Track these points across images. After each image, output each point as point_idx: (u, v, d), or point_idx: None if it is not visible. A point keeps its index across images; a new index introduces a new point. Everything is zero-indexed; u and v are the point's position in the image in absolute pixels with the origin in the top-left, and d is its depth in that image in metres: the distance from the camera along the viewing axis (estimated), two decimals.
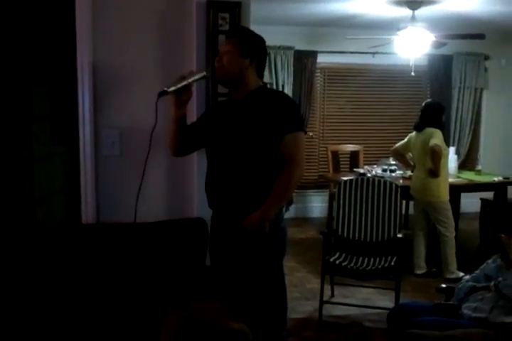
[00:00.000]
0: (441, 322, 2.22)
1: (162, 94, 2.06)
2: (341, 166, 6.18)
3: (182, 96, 2.13)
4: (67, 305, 2.21)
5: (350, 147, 6.27)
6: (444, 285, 2.71)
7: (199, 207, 2.56)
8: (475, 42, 5.58)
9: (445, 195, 4.30)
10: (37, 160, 3.03)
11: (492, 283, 2.41)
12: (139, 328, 2.19)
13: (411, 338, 1.97)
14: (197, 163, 2.54)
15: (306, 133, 2.15)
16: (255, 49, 2.17)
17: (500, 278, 2.39)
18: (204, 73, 2.18)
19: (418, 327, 2.12)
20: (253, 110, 2.10)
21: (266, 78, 6.27)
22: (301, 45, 6.30)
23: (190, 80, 2.13)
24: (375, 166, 5.35)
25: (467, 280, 2.58)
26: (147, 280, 2.35)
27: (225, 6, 2.56)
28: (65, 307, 2.21)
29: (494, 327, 2.22)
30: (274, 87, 6.22)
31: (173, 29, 2.59)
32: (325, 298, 3.72)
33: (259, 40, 2.20)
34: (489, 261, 2.59)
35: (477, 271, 2.61)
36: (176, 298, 2.32)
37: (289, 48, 6.27)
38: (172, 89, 2.08)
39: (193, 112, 2.47)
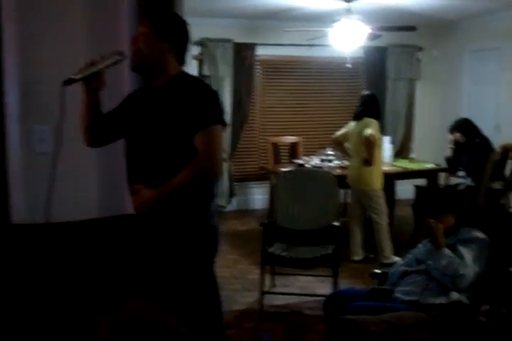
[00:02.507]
0: (374, 306, 2.28)
1: (68, 82, 1.86)
2: (281, 157, 6.24)
3: (93, 83, 1.97)
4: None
5: (290, 138, 6.33)
6: (377, 271, 2.78)
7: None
8: (408, 34, 5.74)
9: (378, 184, 4.42)
10: None
11: (422, 267, 2.50)
12: (70, 327, 2.13)
13: (344, 324, 2.02)
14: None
15: (224, 124, 1.98)
16: (174, 32, 1.99)
17: (429, 262, 2.47)
18: (118, 58, 1.99)
19: (352, 313, 2.16)
20: (170, 100, 1.97)
21: (205, 71, 6.25)
22: (240, 38, 6.28)
23: (100, 66, 1.95)
24: (313, 157, 5.43)
25: (399, 265, 2.66)
26: (79, 279, 2.29)
27: None
28: None
29: (425, 308, 2.30)
30: (214, 79, 6.18)
31: (104, 17, 2.44)
32: (266, 289, 3.76)
33: (179, 22, 2.02)
34: (420, 245, 2.69)
35: (409, 256, 2.70)
36: (110, 297, 2.27)
37: (228, 41, 6.24)
38: (79, 76, 1.89)
39: (101, 101, 2.34)
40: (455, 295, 2.35)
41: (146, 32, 1.96)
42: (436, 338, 2.00)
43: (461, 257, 2.39)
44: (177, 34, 2.01)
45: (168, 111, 1.96)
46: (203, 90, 1.99)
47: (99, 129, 2.11)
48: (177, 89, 1.98)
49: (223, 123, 1.99)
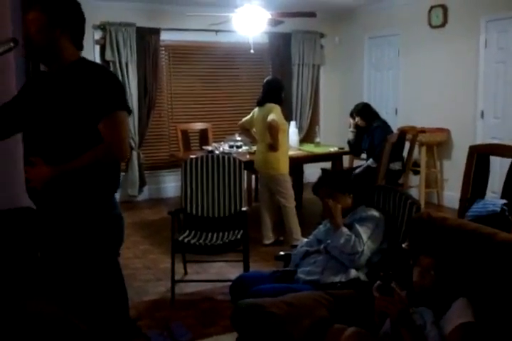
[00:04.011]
0: (276, 288, 2.32)
1: None
2: (192, 145, 6.19)
3: None
4: None
5: (199, 125, 6.29)
6: (282, 253, 2.84)
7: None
8: (311, 20, 5.86)
9: (284, 168, 4.51)
10: None
11: (322, 246, 2.60)
12: None
13: (244, 307, 2.05)
14: (22, 147, 2.35)
15: (129, 110, 1.95)
16: (66, 16, 1.91)
17: (328, 241, 2.57)
18: (10, 45, 1.91)
19: (255, 296, 2.20)
20: (70, 85, 1.90)
21: (108, 56, 6.03)
22: (142, 22, 6.12)
23: None
24: (222, 143, 5.44)
25: (301, 246, 2.74)
26: None
27: None
28: None
29: (325, 287, 2.39)
30: (117, 65, 6.00)
31: None
32: (178, 277, 3.75)
33: (72, 5, 1.94)
34: (320, 226, 2.78)
35: (310, 237, 2.78)
36: (8, 291, 2.16)
37: (130, 25, 6.05)
38: None
39: (13, 90, 2.26)
40: (353, 273, 2.45)
41: (37, 17, 1.88)
42: (336, 316, 2.08)
43: (357, 235, 2.49)
44: (70, 18, 1.93)
45: (68, 96, 1.89)
46: (104, 76, 1.94)
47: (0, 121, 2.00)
48: (77, 74, 1.92)
49: (127, 109, 1.95)
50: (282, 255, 2.82)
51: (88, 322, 1.92)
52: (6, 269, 2.24)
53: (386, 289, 1.85)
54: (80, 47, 2.01)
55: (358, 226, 2.53)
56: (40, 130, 1.94)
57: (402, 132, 5.20)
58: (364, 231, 2.51)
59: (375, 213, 2.61)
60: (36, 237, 2.29)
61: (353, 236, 2.48)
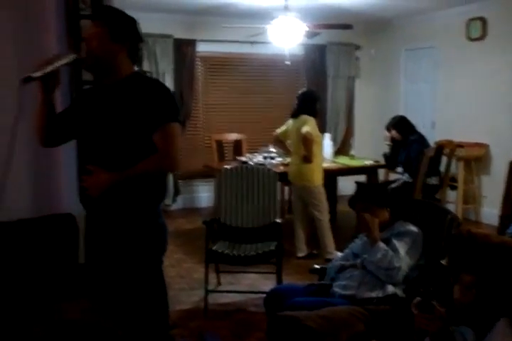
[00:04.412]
0: (312, 302, 2.31)
1: (27, 80, 1.87)
2: (226, 155, 6.23)
3: (49, 82, 1.97)
4: None
5: (234, 136, 6.33)
6: (317, 266, 2.82)
7: (68, 200, 2.44)
8: (347, 32, 5.86)
9: (318, 180, 4.49)
10: None
11: (358, 261, 2.56)
12: (10, 330, 2.05)
13: (281, 320, 2.04)
14: (63, 154, 2.41)
15: (181, 123, 2.06)
16: (126, 32, 2.01)
17: (365, 255, 2.54)
18: (73, 56, 2.00)
19: (291, 309, 2.19)
20: (126, 97, 1.98)
21: (145, 67, 6.14)
22: (180, 34, 6.23)
23: (57, 65, 1.95)
24: (256, 154, 5.46)
25: (337, 260, 2.72)
26: (15, 281, 2.22)
27: None
28: None
29: (361, 302, 2.36)
30: (155, 75, 6.09)
31: (30, 15, 2.42)
32: (211, 287, 3.76)
33: (130, 21, 2.04)
34: (357, 239, 2.75)
35: (346, 250, 2.75)
36: (47, 297, 2.21)
37: (168, 36, 6.17)
38: (38, 74, 1.89)
39: (55, 100, 2.32)
40: (391, 289, 2.41)
41: (99, 32, 1.97)
42: (372, 331, 2.05)
43: (395, 250, 2.45)
44: (129, 34, 2.03)
45: (125, 108, 1.97)
46: (159, 89, 2.02)
47: (53, 129, 2.09)
48: (133, 87, 2.00)
49: (180, 122, 2.03)
50: (317, 268, 2.80)
51: (126, 328, 1.94)
52: (45, 275, 2.29)
53: (426, 306, 1.82)
54: (135, 61, 2.09)
55: (395, 241, 2.49)
56: (96, 139, 2.01)
57: (440, 146, 5.13)
58: (402, 247, 2.47)
59: (413, 228, 2.57)
60: (76, 244, 2.33)
61: (390, 252, 2.44)
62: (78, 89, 2.39)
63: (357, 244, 2.70)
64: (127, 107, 1.96)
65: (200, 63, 6.57)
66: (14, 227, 2.28)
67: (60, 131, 2.11)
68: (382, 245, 2.47)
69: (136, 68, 2.11)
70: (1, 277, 2.20)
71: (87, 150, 2.05)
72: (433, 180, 5.04)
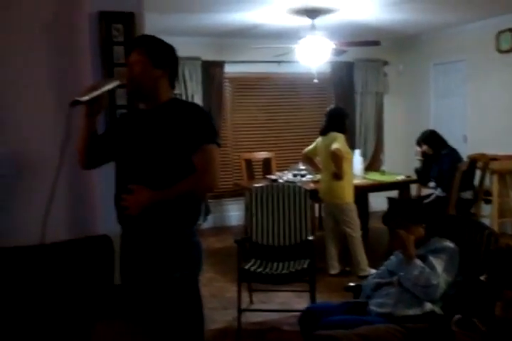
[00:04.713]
0: (348, 320, 2.27)
1: (74, 103, 1.95)
2: (255, 173, 6.25)
3: (94, 106, 2.05)
4: None
5: (263, 154, 6.36)
6: (352, 284, 2.78)
7: (105, 221, 2.48)
8: (374, 48, 5.87)
9: (349, 197, 4.46)
10: None
11: (394, 278, 2.52)
12: None
13: (318, 339, 2.02)
14: (100, 176, 2.46)
15: (219, 145, 2.09)
16: (167, 58, 2.09)
17: (401, 273, 2.49)
18: (117, 82, 2.09)
19: (327, 327, 2.16)
20: (166, 121, 2.05)
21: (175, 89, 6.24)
22: (207, 56, 6.33)
23: (103, 89, 2.04)
24: (286, 172, 5.46)
25: (372, 277, 2.67)
26: (51, 303, 2.25)
27: (117, 17, 2.53)
28: None
29: (399, 320, 2.31)
30: (184, 97, 6.20)
31: (65, 42, 2.50)
32: (244, 306, 3.73)
33: (170, 49, 2.13)
34: (392, 256, 2.71)
35: (382, 267, 2.71)
36: (84, 320, 2.23)
37: (196, 59, 6.28)
38: (86, 98, 1.97)
39: (97, 124, 2.38)
40: (428, 306, 2.36)
41: (141, 60, 2.04)
42: None
43: (432, 267, 2.40)
44: (169, 60, 2.11)
45: (165, 131, 2.03)
46: (200, 111, 2.10)
47: (94, 151, 2.16)
48: (173, 111, 2.07)
49: (218, 143, 2.08)
50: (352, 286, 2.76)
51: None
52: (81, 296, 2.31)
53: (467, 323, 1.77)
54: (174, 86, 2.16)
55: (432, 258, 2.44)
56: (138, 161, 2.06)
57: (473, 160, 5.03)
58: (439, 263, 2.42)
59: (450, 244, 2.52)
60: (111, 265, 2.36)
61: (427, 269, 2.39)
62: (112, 113, 2.46)
63: (392, 261, 2.66)
64: (169, 130, 2.02)
65: (227, 84, 6.66)
66: (51, 250, 2.32)
67: (100, 153, 2.18)
68: (418, 262, 2.43)
69: (174, 92, 2.18)
70: (37, 299, 2.23)
71: (127, 172, 2.09)
72: (467, 195, 4.94)
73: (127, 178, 2.07)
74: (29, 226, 2.20)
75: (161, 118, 2.06)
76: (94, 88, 2.03)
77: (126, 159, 2.11)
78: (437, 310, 2.38)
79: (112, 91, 2.32)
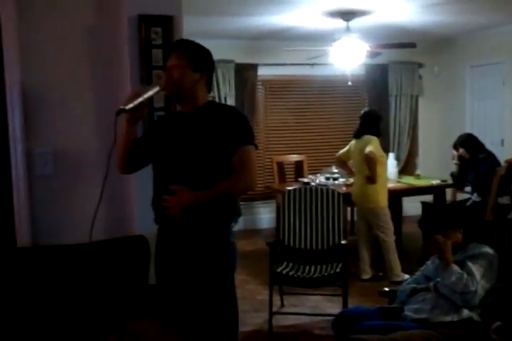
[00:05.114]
0: (383, 325, 2.25)
1: (120, 112, 1.99)
2: (287, 176, 6.24)
3: (136, 113, 2.08)
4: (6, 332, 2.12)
5: (295, 157, 6.34)
6: (386, 289, 2.75)
7: (140, 222, 2.51)
8: (408, 51, 5.80)
9: (383, 201, 4.40)
10: None
11: (431, 284, 2.48)
12: None
13: None
14: (136, 177, 2.49)
15: (256, 147, 2.12)
16: (205, 62, 2.14)
17: (438, 279, 2.45)
18: (158, 88, 2.11)
19: (361, 332, 2.14)
20: (205, 123, 2.08)
21: None
22: (241, 58, 6.35)
23: (146, 96, 2.07)
24: (318, 175, 5.43)
25: (408, 283, 2.64)
26: (87, 302, 2.29)
27: (156, 20, 2.55)
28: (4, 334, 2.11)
29: (435, 326, 2.27)
30: (217, 100, 6.23)
31: (105, 45, 2.56)
32: (275, 309, 3.72)
33: (207, 52, 2.17)
34: (428, 262, 2.66)
35: (418, 273, 2.67)
36: (117, 318, 2.26)
37: (230, 62, 6.31)
38: (130, 106, 2.01)
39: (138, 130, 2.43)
40: (466, 313, 2.32)
41: (181, 63, 2.08)
42: None
43: (470, 273, 2.36)
44: (207, 64, 2.15)
45: (204, 134, 2.06)
46: (237, 113, 2.14)
47: (133, 156, 2.20)
48: (212, 112, 2.10)
49: (255, 145, 2.11)
50: (387, 291, 2.73)
51: None
52: (116, 296, 2.34)
53: (506, 331, 1.73)
54: (210, 89, 2.19)
55: (470, 264, 2.39)
56: (178, 163, 2.09)
57: (511, 164, 4.91)
58: (477, 270, 2.37)
59: (489, 250, 2.47)
60: (147, 265, 2.38)
61: (465, 275, 2.35)
62: (150, 115, 2.49)
63: (428, 266, 2.62)
64: (208, 133, 2.06)
65: (260, 86, 6.67)
66: (88, 249, 2.36)
67: (139, 157, 2.21)
68: (456, 268, 2.38)
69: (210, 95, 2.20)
70: (72, 298, 2.27)
71: (168, 173, 2.12)
72: (504, 200, 4.82)
73: (167, 179, 2.09)
74: (75, 226, 2.26)
75: (201, 121, 2.09)
76: (137, 95, 2.06)
77: (166, 161, 2.14)
78: (475, 317, 2.33)
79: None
